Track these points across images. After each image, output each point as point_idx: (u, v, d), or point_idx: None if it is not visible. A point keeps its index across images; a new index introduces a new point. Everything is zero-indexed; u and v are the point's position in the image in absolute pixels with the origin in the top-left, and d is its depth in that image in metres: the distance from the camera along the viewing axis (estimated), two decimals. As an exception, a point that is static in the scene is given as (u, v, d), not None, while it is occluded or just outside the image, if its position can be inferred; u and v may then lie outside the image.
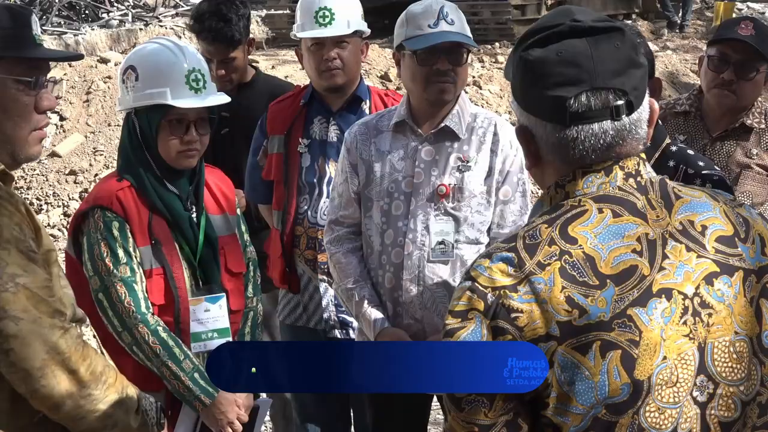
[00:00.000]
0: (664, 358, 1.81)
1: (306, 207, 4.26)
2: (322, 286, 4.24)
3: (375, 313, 3.72)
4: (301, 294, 4.32)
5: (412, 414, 3.95)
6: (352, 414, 4.57)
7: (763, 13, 17.75)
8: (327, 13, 4.23)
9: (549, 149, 1.92)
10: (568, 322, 1.79)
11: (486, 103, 10.66)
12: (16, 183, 2.45)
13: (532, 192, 3.99)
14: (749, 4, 18.51)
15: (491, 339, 1.81)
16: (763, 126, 4.22)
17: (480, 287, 1.83)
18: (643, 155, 1.95)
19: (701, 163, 3.51)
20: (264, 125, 4.41)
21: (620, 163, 1.91)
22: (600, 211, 1.87)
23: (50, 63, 2.57)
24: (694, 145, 4.12)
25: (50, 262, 2.51)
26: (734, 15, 13.66)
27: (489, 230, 3.74)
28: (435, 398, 4.00)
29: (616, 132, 1.89)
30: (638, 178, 1.92)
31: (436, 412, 4.75)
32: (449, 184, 3.69)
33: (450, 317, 1.85)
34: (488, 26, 12.80)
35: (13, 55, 2.45)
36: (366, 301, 3.74)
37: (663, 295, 1.83)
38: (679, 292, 1.85)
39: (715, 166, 3.62)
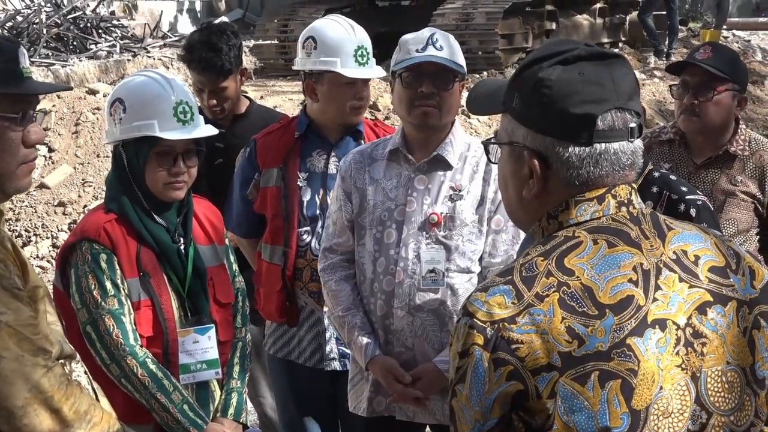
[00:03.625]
0: (661, 388, 1.82)
1: (309, 239, 4.24)
2: (326, 318, 4.23)
3: (366, 341, 3.72)
4: (297, 327, 4.31)
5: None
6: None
7: (749, 40, 17.86)
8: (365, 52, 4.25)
9: (563, 170, 1.92)
10: (569, 352, 1.79)
11: (474, 132, 10.68)
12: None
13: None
14: (734, 31, 18.63)
15: (493, 371, 1.81)
16: (747, 153, 4.25)
17: (479, 322, 1.83)
18: (634, 185, 1.97)
19: (684, 189, 3.53)
20: (253, 158, 4.35)
21: (612, 191, 1.93)
22: (595, 242, 1.88)
23: (39, 95, 2.56)
24: (678, 173, 4.15)
25: (37, 299, 2.48)
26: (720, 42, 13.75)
27: (481, 259, 3.75)
28: (428, 428, 3.99)
29: (631, 153, 1.93)
30: (630, 208, 1.94)
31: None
32: (441, 213, 3.70)
33: (458, 358, 1.86)
34: (476, 55, 12.87)
35: None
36: (357, 329, 3.74)
37: (657, 326, 1.84)
38: (673, 323, 1.85)
39: (698, 191, 3.65)
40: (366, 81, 4.24)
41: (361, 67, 4.17)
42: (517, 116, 1.97)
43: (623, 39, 16.89)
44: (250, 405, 4.70)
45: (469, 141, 3.85)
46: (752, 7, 24.94)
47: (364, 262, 3.80)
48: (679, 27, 16.75)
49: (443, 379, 3.66)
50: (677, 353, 1.84)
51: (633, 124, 1.92)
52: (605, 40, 16.02)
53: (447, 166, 3.75)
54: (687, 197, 3.47)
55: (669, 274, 1.89)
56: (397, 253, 3.71)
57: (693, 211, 3.43)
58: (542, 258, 1.88)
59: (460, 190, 3.73)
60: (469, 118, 10.73)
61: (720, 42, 13.97)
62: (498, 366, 1.81)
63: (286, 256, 4.22)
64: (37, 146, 2.51)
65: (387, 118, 10.56)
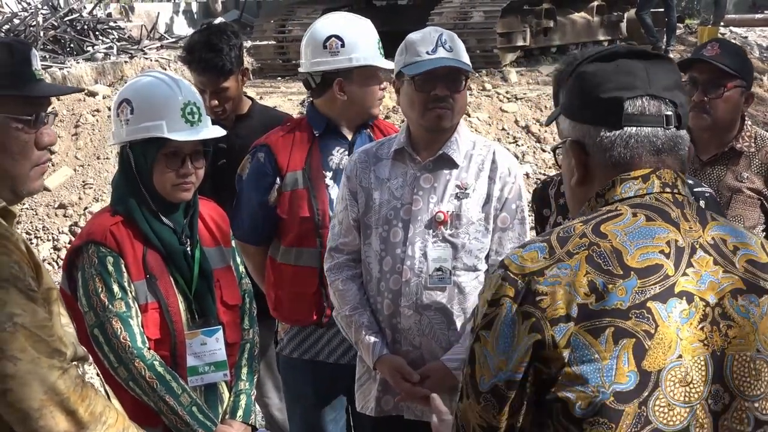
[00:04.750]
0: (680, 356, 1.86)
1: None
2: None
3: (373, 340, 3.72)
4: (327, 327, 4.27)
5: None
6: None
7: (746, 37, 17.87)
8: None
9: (599, 155, 2.02)
10: (586, 304, 1.85)
11: (475, 131, 10.69)
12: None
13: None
14: (732, 28, 18.63)
15: (520, 324, 1.88)
16: (753, 149, 4.24)
17: (511, 275, 1.91)
18: (682, 174, 2.03)
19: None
20: (272, 162, 4.31)
21: (657, 173, 2.00)
22: (634, 215, 1.95)
23: (50, 97, 2.55)
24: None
25: (50, 301, 2.47)
26: (718, 39, 13.74)
27: (487, 257, 3.75)
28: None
29: (666, 139, 2.00)
30: (675, 192, 2.00)
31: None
32: (447, 211, 3.70)
33: (487, 306, 1.93)
34: (474, 54, 12.85)
35: (13, 93, 2.42)
36: (365, 328, 3.74)
37: (684, 297, 1.89)
38: (701, 299, 1.90)
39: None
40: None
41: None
42: (564, 111, 2.09)
43: (621, 36, 16.89)
44: (256, 406, 4.68)
45: (474, 139, 3.86)
46: (749, 3, 24.95)
47: (370, 262, 3.80)
48: (677, 24, 16.75)
49: (451, 377, 3.66)
50: (702, 329, 1.89)
51: (668, 112, 1.99)
52: (602, 37, 16.03)
53: (453, 164, 3.75)
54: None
55: (704, 255, 1.94)
56: (404, 252, 3.71)
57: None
58: (581, 224, 1.96)
59: (466, 189, 3.73)
60: (469, 116, 10.74)
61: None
62: (525, 319, 1.88)
63: (322, 257, 4.10)
64: (49, 148, 2.50)
65: (387, 117, 10.56)
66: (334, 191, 4.21)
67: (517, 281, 1.90)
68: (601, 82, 2.00)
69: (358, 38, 4.30)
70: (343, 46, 4.27)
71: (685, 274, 1.90)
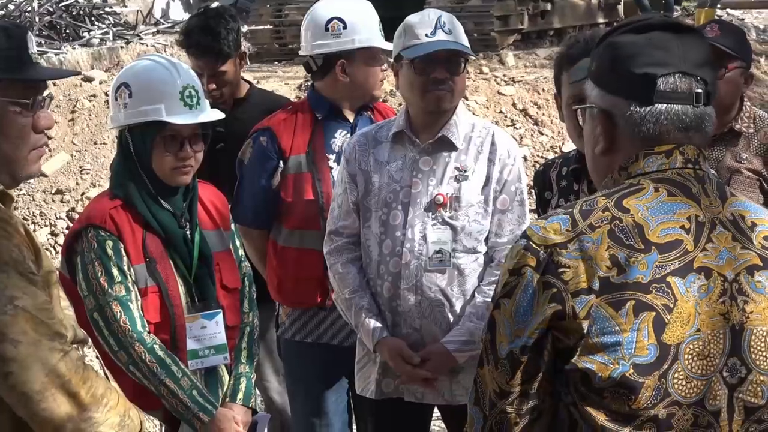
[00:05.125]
0: (698, 330, 1.90)
1: None
2: None
3: (374, 323, 3.72)
4: (331, 309, 4.25)
5: (412, 424, 3.94)
6: (354, 427, 4.57)
7: (743, 19, 17.86)
8: None
9: (627, 128, 2.03)
10: (607, 278, 1.89)
11: (473, 114, 10.65)
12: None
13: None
14: (728, 10, 18.62)
15: (541, 293, 1.93)
16: (752, 130, 4.25)
17: (533, 245, 1.96)
18: (704, 151, 2.06)
19: None
20: (276, 145, 4.30)
21: (681, 149, 2.02)
22: (656, 189, 1.99)
23: (47, 81, 2.54)
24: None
25: (50, 284, 2.47)
26: (715, 21, 13.72)
27: (487, 239, 3.74)
28: (436, 408, 3.99)
29: (695, 117, 2.02)
30: (696, 168, 2.02)
31: (437, 426, 4.76)
32: (447, 194, 3.70)
33: (508, 275, 1.97)
34: (471, 37, 12.78)
35: (10, 77, 2.41)
36: (365, 311, 3.74)
37: (702, 273, 1.93)
38: (719, 274, 1.94)
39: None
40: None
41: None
42: (594, 79, 2.10)
43: (618, 19, 16.85)
44: (256, 389, 4.69)
45: (473, 122, 3.86)
46: (745, -15, 24.90)
47: (370, 245, 3.79)
48: (674, 6, 16.72)
49: (451, 359, 3.67)
50: (723, 303, 1.93)
51: (699, 90, 2.00)
52: (601, 20, 15.97)
53: (452, 147, 3.75)
54: None
55: (723, 231, 1.98)
56: (404, 235, 3.71)
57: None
58: (604, 197, 1.99)
59: (465, 171, 3.74)
60: (467, 99, 10.72)
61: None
62: (546, 289, 1.93)
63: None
64: (46, 131, 2.49)
65: (384, 101, 10.54)
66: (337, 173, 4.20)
67: (539, 251, 1.94)
68: (634, 54, 2.01)
69: (360, 20, 4.30)
70: (345, 28, 4.28)
71: (704, 249, 1.94)
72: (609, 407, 1.90)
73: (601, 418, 1.90)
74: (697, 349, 1.90)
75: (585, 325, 1.88)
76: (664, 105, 1.99)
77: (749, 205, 2.06)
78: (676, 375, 1.88)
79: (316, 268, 4.19)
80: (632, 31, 2.05)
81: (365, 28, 4.30)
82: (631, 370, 1.87)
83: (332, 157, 4.29)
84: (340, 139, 4.30)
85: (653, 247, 1.91)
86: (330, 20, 4.30)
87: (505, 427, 1.98)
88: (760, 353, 1.95)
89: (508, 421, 1.97)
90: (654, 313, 1.88)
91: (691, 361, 1.89)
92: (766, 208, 2.10)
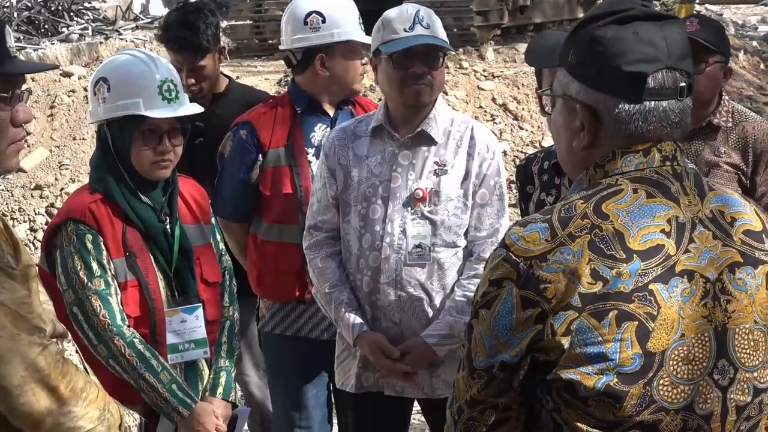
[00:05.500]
0: (683, 335, 1.89)
1: None
2: None
3: (353, 318, 3.72)
4: (310, 303, 4.27)
5: (392, 418, 3.95)
6: (335, 420, 4.58)
7: (721, 14, 17.94)
8: None
9: (613, 125, 2.00)
10: (590, 293, 1.87)
11: (452, 109, 10.66)
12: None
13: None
14: (707, 6, 18.69)
15: (521, 310, 1.90)
16: (730, 124, 4.25)
17: (513, 256, 1.93)
18: (680, 144, 2.04)
19: None
20: (254, 139, 4.32)
21: (658, 146, 2.00)
22: (635, 191, 1.96)
23: (25, 74, 2.53)
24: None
25: (29, 278, 2.47)
26: (694, 16, 13.78)
27: (467, 233, 3.75)
28: (416, 402, 4.00)
29: (680, 112, 2.01)
30: (674, 164, 2.01)
31: (416, 419, 4.76)
32: (426, 188, 3.71)
33: (488, 284, 1.96)
34: (451, 32, 12.77)
35: None
36: (344, 305, 3.74)
37: (685, 276, 1.91)
38: (701, 276, 1.93)
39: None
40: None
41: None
42: (572, 71, 2.05)
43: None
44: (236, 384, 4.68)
45: (452, 116, 3.87)
46: (724, -19, 24.99)
47: (349, 239, 3.80)
48: (653, 1, 16.78)
49: (431, 353, 3.68)
50: (704, 305, 1.92)
51: (683, 84, 1.99)
52: (581, 15, 16.01)
53: (431, 141, 3.76)
54: None
55: (703, 230, 1.96)
56: (383, 229, 3.71)
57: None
58: (582, 201, 1.96)
59: (444, 165, 3.74)
60: (446, 94, 10.73)
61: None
62: (527, 306, 1.90)
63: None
64: (25, 125, 2.49)
65: (364, 95, 10.52)
66: (316, 168, 4.20)
67: (519, 264, 1.92)
68: (621, 52, 1.97)
69: (339, 13, 4.31)
70: (324, 21, 4.29)
71: (687, 251, 1.93)
72: (594, 415, 1.89)
73: (586, 425, 1.90)
74: (682, 355, 1.89)
75: (564, 341, 1.87)
76: (653, 102, 1.98)
77: (728, 198, 2.04)
78: (661, 382, 1.88)
79: (295, 261, 4.20)
80: (615, 23, 2.00)
81: (344, 22, 4.30)
82: (616, 380, 1.86)
83: (311, 151, 4.29)
84: (320, 133, 4.31)
85: (635, 255, 1.89)
86: (309, 14, 4.31)
87: None
88: (744, 351, 1.94)
89: (475, 429, 2.00)
90: (637, 323, 1.86)
91: (676, 366, 1.88)
92: (744, 199, 2.08)
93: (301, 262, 4.09)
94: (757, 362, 1.96)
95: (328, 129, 4.28)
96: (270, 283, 4.36)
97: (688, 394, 1.89)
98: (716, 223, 1.98)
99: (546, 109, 2.18)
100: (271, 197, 4.29)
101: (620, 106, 1.98)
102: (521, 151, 10.14)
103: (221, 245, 3.81)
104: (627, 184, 1.97)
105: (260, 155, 4.31)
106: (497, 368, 1.94)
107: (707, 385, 1.91)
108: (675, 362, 1.88)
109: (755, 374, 1.96)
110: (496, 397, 1.96)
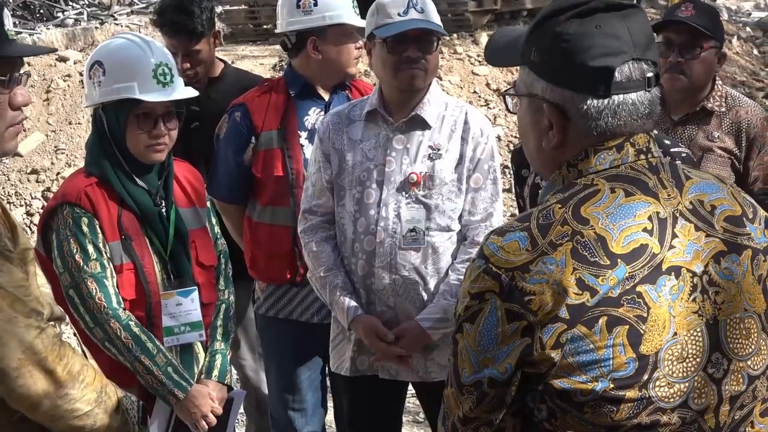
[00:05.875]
0: (675, 334, 1.85)
1: None
2: None
3: (348, 301, 3.74)
4: (302, 286, 4.29)
5: (387, 401, 3.97)
6: (330, 404, 4.60)
7: (715, 0, 17.92)
8: None
9: (581, 122, 1.94)
10: (579, 304, 1.81)
11: (446, 94, 10.66)
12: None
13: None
14: (702, -9, 18.69)
15: (506, 323, 1.84)
16: (723, 109, 4.27)
17: (493, 268, 1.86)
18: (652, 134, 1.99)
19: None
20: (248, 121, 4.34)
21: (631, 140, 1.95)
22: (612, 190, 1.90)
23: (23, 57, 2.54)
24: (656, 129, 4.17)
25: (27, 261, 2.48)
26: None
27: (460, 218, 3.77)
28: (410, 386, 4.02)
29: (649, 103, 1.95)
30: (649, 156, 1.96)
31: (411, 403, 4.78)
32: (420, 172, 3.72)
33: (469, 298, 1.89)
34: (445, 17, 12.79)
35: None
36: (339, 289, 3.76)
37: (672, 273, 1.86)
38: (688, 270, 1.88)
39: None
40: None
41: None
42: (536, 69, 1.98)
43: None
44: (231, 367, 4.70)
45: (446, 100, 3.88)
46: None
47: (344, 223, 3.81)
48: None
49: (426, 336, 3.70)
50: (693, 300, 1.87)
51: (650, 74, 1.93)
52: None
53: (425, 125, 3.77)
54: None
55: (685, 223, 1.92)
56: (378, 213, 3.73)
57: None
58: (560, 206, 1.90)
59: (438, 149, 3.75)
60: (441, 80, 10.73)
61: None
62: (512, 319, 1.84)
63: (295, 216, 4.12)
64: (23, 108, 2.50)
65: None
66: (309, 151, 4.21)
67: (501, 275, 1.85)
68: (585, 47, 1.90)
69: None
70: (316, 5, 4.30)
71: (671, 247, 1.88)
72: (591, 421, 1.85)
73: (582, 431, 1.86)
74: (676, 353, 1.84)
75: (554, 354, 1.82)
76: (621, 96, 1.91)
77: (705, 185, 1.99)
78: (657, 383, 1.84)
79: (286, 244, 4.23)
80: (576, 16, 1.92)
81: (337, 5, 4.31)
82: (611, 386, 1.82)
83: (304, 134, 4.30)
84: (314, 116, 4.32)
85: (619, 260, 1.83)
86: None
87: None
88: (736, 341, 1.91)
89: None
90: (627, 327, 1.81)
91: (671, 366, 1.84)
92: (720, 182, 2.04)
93: (292, 244, 4.12)
94: (750, 350, 1.93)
95: (323, 113, 4.29)
96: (263, 266, 4.39)
97: (683, 392, 1.86)
98: (697, 213, 1.94)
99: (509, 108, 2.12)
100: (263, 179, 4.31)
101: (588, 102, 1.92)
102: (515, 136, 10.15)
103: (216, 229, 3.83)
104: (604, 183, 1.91)
105: (253, 137, 4.33)
106: (487, 385, 1.88)
107: (701, 379, 1.88)
108: (669, 362, 1.84)
109: (749, 362, 1.93)
110: (490, 414, 1.91)
